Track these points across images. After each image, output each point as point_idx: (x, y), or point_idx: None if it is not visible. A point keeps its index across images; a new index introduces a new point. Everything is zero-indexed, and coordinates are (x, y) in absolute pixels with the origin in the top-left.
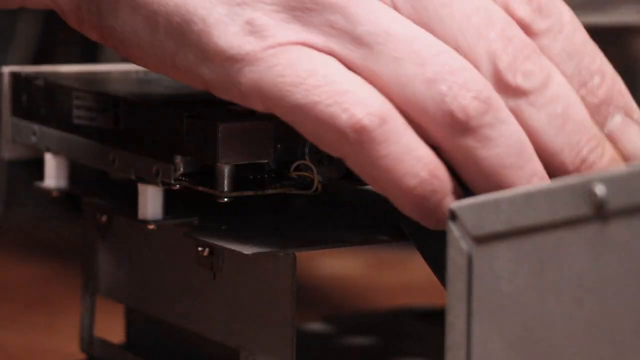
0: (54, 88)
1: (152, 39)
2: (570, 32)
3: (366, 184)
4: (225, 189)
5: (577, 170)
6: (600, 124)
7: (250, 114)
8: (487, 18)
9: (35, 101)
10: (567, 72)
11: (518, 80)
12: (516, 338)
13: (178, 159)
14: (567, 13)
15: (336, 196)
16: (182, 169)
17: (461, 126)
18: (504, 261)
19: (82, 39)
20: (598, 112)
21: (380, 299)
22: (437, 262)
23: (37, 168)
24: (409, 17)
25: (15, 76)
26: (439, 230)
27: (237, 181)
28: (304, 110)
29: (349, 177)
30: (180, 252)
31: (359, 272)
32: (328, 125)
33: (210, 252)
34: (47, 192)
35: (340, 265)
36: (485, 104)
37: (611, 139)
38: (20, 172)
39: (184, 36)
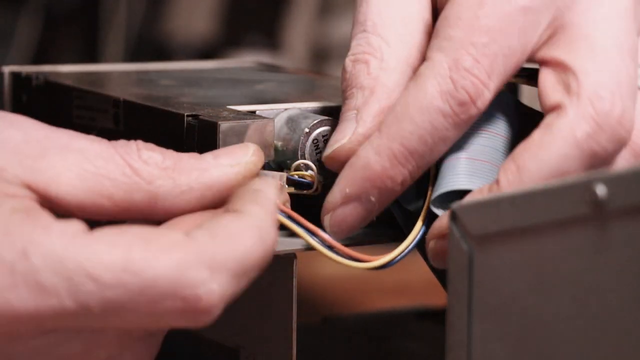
0: (54, 88)
1: None
2: None
3: None
4: None
5: None
6: None
7: (250, 114)
8: None
9: (35, 101)
10: None
11: None
12: (516, 338)
13: None
14: None
15: None
16: None
17: None
18: (504, 261)
19: (82, 39)
20: None
21: (380, 299)
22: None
23: None
24: None
25: (15, 76)
26: None
27: None
28: None
29: None
30: None
31: (359, 272)
32: None
33: None
34: None
35: (340, 265)
36: None
37: None
38: None
39: None
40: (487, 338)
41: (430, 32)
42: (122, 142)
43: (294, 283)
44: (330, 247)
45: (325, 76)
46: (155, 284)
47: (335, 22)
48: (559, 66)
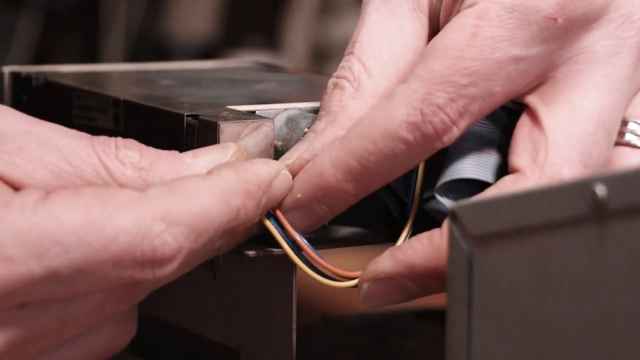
0: (54, 88)
1: None
2: None
3: None
4: None
5: None
6: None
7: (250, 114)
8: None
9: (35, 101)
10: None
11: None
12: (516, 338)
13: None
14: None
15: None
16: None
17: None
18: (504, 261)
19: (82, 39)
20: None
21: None
22: None
23: None
24: None
25: (15, 76)
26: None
27: None
28: None
29: None
30: None
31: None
32: None
33: None
34: None
35: (340, 265)
36: None
37: None
38: None
39: None
40: (487, 338)
41: None
42: (102, 139)
43: (294, 283)
44: (311, 265)
45: (325, 76)
46: (115, 239)
47: (335, 22)
48: (536, 121)
